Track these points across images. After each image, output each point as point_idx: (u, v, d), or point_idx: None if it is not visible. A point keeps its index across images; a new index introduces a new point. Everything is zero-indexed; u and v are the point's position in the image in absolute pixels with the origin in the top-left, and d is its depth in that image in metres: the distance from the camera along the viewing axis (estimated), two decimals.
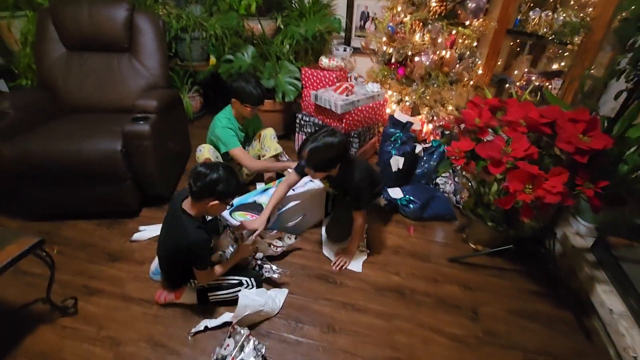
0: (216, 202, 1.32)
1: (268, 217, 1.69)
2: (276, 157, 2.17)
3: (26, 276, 1.65)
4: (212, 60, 2.85)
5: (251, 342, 1.29)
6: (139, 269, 1.71)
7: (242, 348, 1.26)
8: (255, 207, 1.83)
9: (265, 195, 1.91)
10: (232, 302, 1.50)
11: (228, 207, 1.61)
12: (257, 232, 1.64)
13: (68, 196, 1.90)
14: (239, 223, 1.69)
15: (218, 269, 1.48)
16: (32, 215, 1.99)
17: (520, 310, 1.60)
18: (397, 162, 2.17)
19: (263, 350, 1.30)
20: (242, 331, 1.31)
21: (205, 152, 1.99)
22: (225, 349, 1.28)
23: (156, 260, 1.61)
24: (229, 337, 1.32)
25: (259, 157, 2.19)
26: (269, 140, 2.16)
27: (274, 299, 1.54)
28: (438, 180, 2.34)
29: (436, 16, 2.29)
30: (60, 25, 2.13)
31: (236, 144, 2.00)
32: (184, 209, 1.36)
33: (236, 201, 1.88)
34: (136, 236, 1.87)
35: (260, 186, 2.01)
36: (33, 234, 1.31)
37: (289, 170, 2.06)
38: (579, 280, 1.64)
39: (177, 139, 2.24)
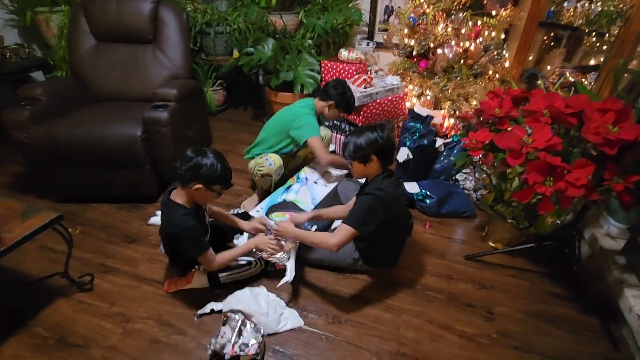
0: (200, 185, 1.31)
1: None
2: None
3: (51, 252, 1.74)
4: (235, 54, 2.90)
5: (248, 324, 1.27)
6: (152, 250, 1.76)
7: (240, 333, 1.24)
8: (288, 205, 1.84)
9: (292, 193, 1.94)
10: (243, 283, 1.53)
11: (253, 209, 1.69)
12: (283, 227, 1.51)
13: (93, 180, 2.00)
14: (276, 225, 1.54)
15: (225, 254, 1.46)
16: (60, 197, 2.10)
17: (539, 312, 1.51)
18: (404, 154, 2.11)
19: (262, 330, 1.29)
20: (236, 317, 1.28)
21: (275, 166, 1.91)
22: (222, 337, 1.24)
23: None
24: (224, 324, 1.28)
25: None
26: (322, 127, 2.17)
27: (280, 317, 1.40)
28: (458, 177, 2.25)
29: (460, 6, 2.21)
30: (91, 18, 2.24)
31: (317, 133, 1.94)
32: (171, 199, 1.39)
33: (265, 203, 1.89)
34: (152, 220, 1.93)
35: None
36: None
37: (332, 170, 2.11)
38: (606, 284, 1.52)
39: (197, 127, 2.29)
